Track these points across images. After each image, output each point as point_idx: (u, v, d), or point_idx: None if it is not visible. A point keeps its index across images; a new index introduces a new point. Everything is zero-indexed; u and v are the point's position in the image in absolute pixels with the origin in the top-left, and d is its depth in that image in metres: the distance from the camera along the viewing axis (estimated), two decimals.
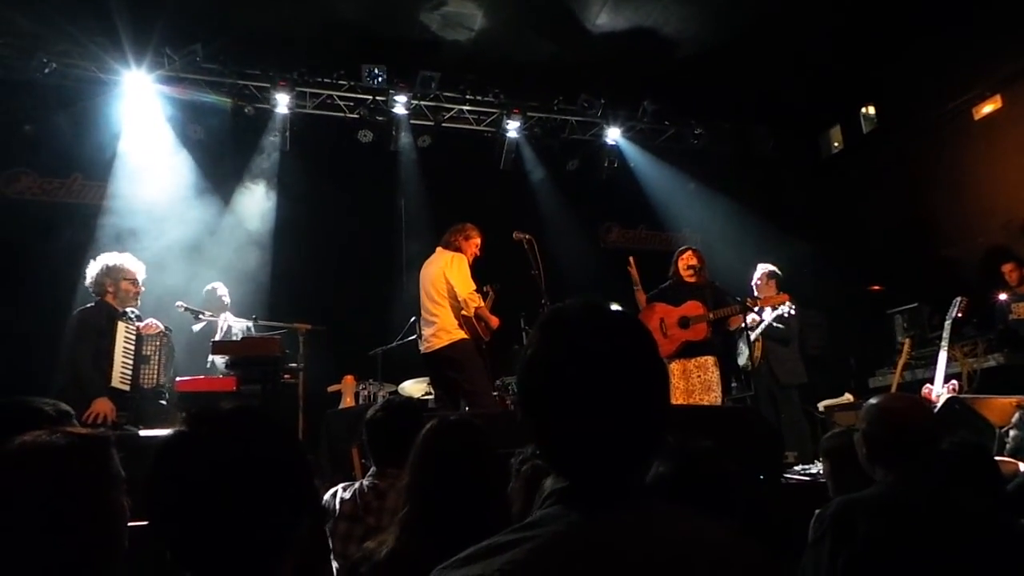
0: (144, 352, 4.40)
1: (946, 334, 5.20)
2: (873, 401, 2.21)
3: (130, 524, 1.28)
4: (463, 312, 4.78)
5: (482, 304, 4.85)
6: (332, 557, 2.23)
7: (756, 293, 5.93)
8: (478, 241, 5.00)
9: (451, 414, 2.11)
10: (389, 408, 2.57)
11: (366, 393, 6.06)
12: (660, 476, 1.71)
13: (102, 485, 1.22)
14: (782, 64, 7.65)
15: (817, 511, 2.03)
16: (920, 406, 2.29)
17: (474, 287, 4.82)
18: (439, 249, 5.02)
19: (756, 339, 5.74)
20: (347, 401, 5.98)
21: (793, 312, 5.60)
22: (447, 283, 4.79)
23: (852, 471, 2.37)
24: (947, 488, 1.99)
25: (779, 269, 6.14)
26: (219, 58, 6.86)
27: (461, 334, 4.77)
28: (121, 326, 4.32)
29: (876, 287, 7.48)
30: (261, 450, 1.03)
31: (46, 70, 6.42)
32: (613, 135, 8.38)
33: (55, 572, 1.13)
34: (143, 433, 3.87)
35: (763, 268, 6.06)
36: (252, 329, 5.52)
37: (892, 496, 1.98)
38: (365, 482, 2.43)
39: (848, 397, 6.23)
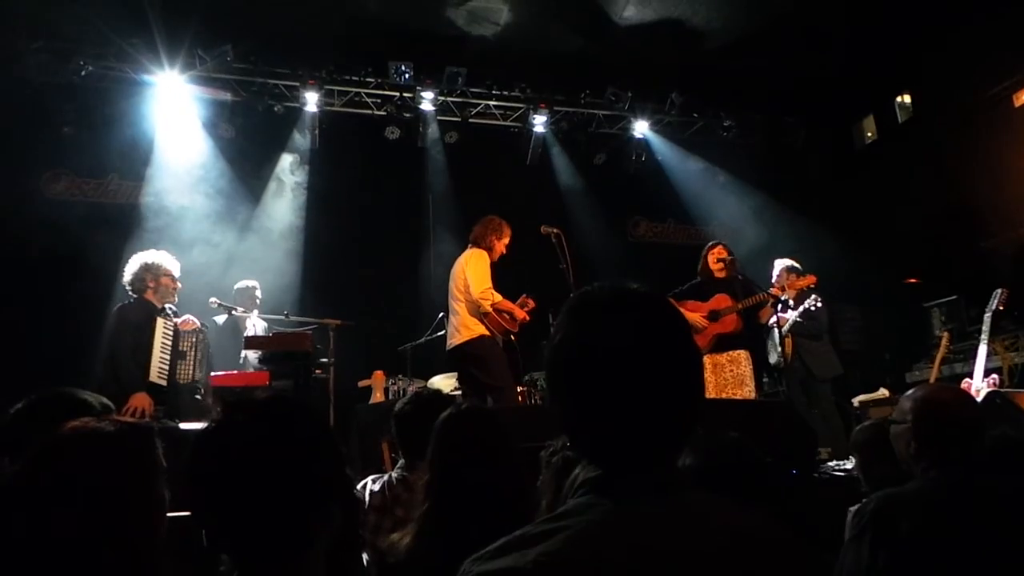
0: (181, 348, 4.49)
1: (986, 327, 5.04)
2: (917, 394, 2.10)
3: (168, 514, 1.31)
4: (481, 309, 4.76)
5: (499, 299, 4.79)
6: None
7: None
8: (508, 240, 5.00)
9: (464, 403, 2.12)
10: (417, 402, 2.57)
11: (396, 388, 6.11)
12: (687, 468, 1.69)
13: (145, 472, 1.26)
14: (813, 53, 7.50)
15: (853, 508, 1.99)
16: (966, 397, 2.21)
17: (490, 284, 4.78)
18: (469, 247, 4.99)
19: (785, 335, 5.65)
20: (377, 396, 6.04)
21: (820, 305, 5.50)
22: (465, 280, 4.79)
23: (884, 465, 2.32)
24: (993, 483, 1.93)
25: (809, 262, 6.02)
26: (249, 58, 6.97)
27: (480, 330, 4.74)
28: (160, 322, 4.40)
29: (912, 280, 7.30)
30: (296, 436, 1.05)
31: (83, 72, 6.59)
32: (641, 128, 8.30)
33: (96, 553, 1.16)
34: (182, 426, 3.96)
35: (781, 263, 5.96)
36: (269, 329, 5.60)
37: (936, 491, 1.92)
38: (394, 474, 2.45)
39: (883, 392, 6.10)
